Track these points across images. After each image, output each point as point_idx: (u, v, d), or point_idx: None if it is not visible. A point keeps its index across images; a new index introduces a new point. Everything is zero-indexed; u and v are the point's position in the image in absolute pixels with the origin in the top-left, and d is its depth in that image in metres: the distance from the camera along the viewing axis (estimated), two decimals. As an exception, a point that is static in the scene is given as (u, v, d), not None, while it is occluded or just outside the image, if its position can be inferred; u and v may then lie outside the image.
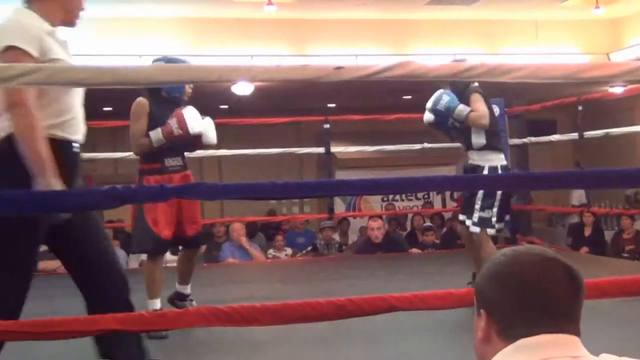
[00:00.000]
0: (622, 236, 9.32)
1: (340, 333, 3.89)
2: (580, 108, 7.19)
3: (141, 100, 4.46)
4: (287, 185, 2.47)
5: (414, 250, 8.39)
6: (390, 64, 2.34)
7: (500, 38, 10.56)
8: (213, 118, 4.66)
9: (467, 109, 4.79)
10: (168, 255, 5.22)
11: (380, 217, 8.73)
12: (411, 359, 3.83)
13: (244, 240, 7.87)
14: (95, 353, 2.84)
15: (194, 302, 4.59)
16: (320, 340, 3.98)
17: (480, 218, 4.78)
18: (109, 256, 2.95)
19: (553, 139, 8.21)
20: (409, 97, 11.45)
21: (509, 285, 1.31)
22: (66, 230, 2.76)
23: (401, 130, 9.31)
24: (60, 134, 2.74)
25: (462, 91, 4.87)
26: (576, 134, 7.32)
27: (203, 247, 7.34)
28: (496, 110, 7.59)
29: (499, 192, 4.77)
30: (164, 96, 4.47)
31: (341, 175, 10.59)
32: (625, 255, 8.86)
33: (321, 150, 7.70)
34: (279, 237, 8.79)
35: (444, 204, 13.50)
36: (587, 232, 9.27)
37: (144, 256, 5.65)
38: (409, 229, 10.32)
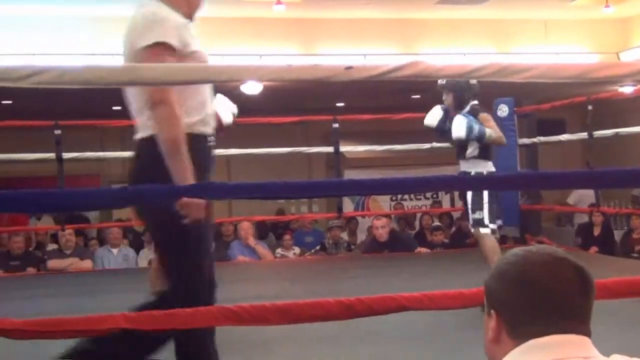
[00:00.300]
0: (631, 236, 9.27)
1: (348, 332, 3.89)
2: (590, 108, 7.17)
3: None
4: (297, 184, 2.48)
5: (422, 250, 8.38)
6: (400, 63, 2.34)
7: (509, 37, 10.52)
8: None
9: (491, 133, 5.10)
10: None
11: (385, 215, 8.72)
12: (419, 359, 3.83)
13: (251, 239, 7.88)
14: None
15: None
16: (327, 340, 3.98)
17: (474, 220, 5.10)
18: None
19: (562, 139, 8.19)
20: (418, 96, 11.43)
21: (519, 285, 1.31)
22: None
23: (410, 130, 9.27)
24: (198, 129, 2.72)
25: (461, 97, 5.15)
26: (586, 133, 7.30)
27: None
28: (505, 109, 7.61)
29: (486, 194, 5.08)
30: None
31: (350, 174, 10.57)
32: (635, 255, 8.81)
33: (330, 149, 7.70)
34: (287, 237, 8.80)
35: (452, 204, 13.45)
36: (596, 231, 9.24)
37: (152, 255, 5.66)
38: (417, 228, 10.30)
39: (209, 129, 2.79)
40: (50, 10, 8.89)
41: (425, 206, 12.78)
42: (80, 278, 7.09)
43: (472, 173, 5.12)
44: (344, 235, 8.89)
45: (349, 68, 2.35)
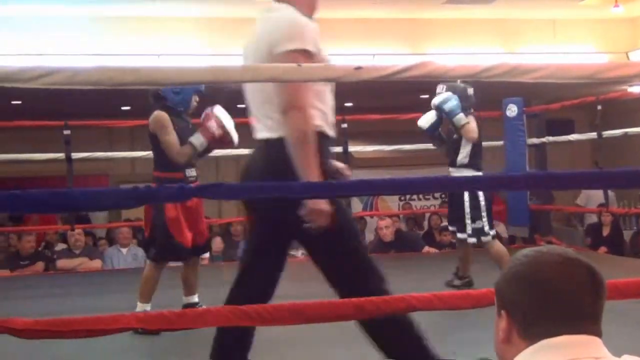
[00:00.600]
0: (641, 236, 9.26)
1: (354, 333, 3.89)
2: (599, 108, 7.15)
3: (161, 112, 4.43)
4: (308, 185, 2.48)
5: (430, 250, 8.37)
6: (410, 63, 2.34)
7: (517, 37, 10.49)
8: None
9: (465, 120, 5.27)
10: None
11: (391, 216, 8.70)
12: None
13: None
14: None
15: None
16: (334, 340, 3.97)
17: (473, 229, 5.23)
18: None
19: (571, 139, 8.17)
20: (427, 96, 11.38)
21: (530, 286, 1.31)
22: None
23: (418, 130, 9.27)
24: (323, 129, 2.75)
25: (461, 99, 5.33)
26: (595, 133, 7.28)
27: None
28: (514, 109, 7.62)
29: (482, 202, 5.23)
30: (168, 106, 4.47)
31: (358, 174, 10.55)
32: (644, 255, 8.80)
33: (339, 149, 7.70)
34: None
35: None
36: (606, 232, 9.22)
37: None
38: (426, 228, 10.29)
39: (331, 128, 2.84)
40: (57, 10, 8.92)
41: (434, 206, 12.76)
42: (90, 277, 7.11)
43: None
44: (352, 235, 8.87)
45: (358, 68, 2.36)
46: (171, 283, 4.79)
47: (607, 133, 7.19)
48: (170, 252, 4.45)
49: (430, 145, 7.79)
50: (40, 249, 8.50)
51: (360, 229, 9.42)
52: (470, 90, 5.40)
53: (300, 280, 6.48)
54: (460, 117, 5.26)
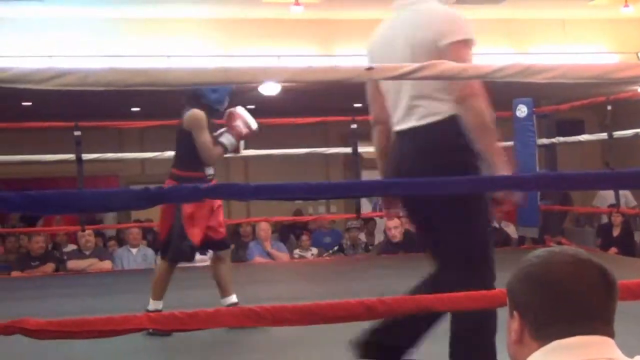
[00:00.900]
0: (651, 237, 9.22)
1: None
2: (609, 108, 7.12)
3: (199, 111, 4.38)
4: (319, 186, 2.47)
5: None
6: (421, 64, 2.34)
7: (527, 37, 10.47)
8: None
9: None
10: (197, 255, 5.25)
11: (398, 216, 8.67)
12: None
13: (267, 244, 7.88)
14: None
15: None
16: (341, 341, 3.97)
17: None
18: None
19: (582, 139, 8.15)
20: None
21: (542, 286, 1.31)
22: None
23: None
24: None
25: None
26: (605, 134, 7.26)
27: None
28: (524, 110, 7.59)
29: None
30: (204, 105, 4.44)
31: (367, 175, 10.55)
32: (655, 256, 8.76)
33: (348, 150, 7.70)
34: (305, 237, 8.80)
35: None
36: (616, 232, 9.18)
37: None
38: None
39: None
40: (67, 12, 8.95)
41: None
42: (100, 278, 7.13)
43: None
44: (362, 237, 8.88)
45: (369, 69, 2.35)
46: (181, 284, 4.79)
47: (618, 133, 7.16)
48: (183, 253, 4.45)
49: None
50: (49, 249, 8.54)
51: (370, 230, 9.43)
52: None
53: (312, 281, 6.52)
54: None
